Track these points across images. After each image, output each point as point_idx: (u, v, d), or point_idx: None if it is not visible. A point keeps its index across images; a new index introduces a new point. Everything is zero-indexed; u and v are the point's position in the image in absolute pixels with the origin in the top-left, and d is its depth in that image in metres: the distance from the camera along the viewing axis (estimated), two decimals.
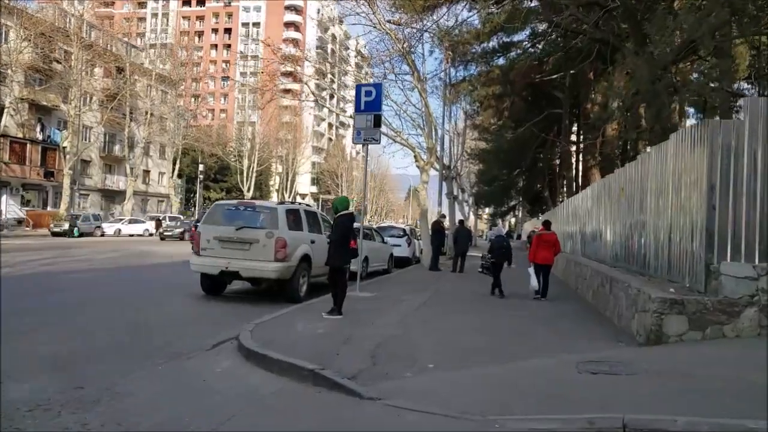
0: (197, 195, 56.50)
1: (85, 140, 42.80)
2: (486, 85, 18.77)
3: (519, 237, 73.97)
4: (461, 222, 16.95)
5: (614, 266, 10.33)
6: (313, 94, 18.12)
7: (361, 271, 14.13)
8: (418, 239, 20.36)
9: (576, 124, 32.17)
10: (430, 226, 16.98)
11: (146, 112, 46.91)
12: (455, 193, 24.60)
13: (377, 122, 10.07)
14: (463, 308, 9.17)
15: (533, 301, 10.71)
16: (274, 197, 78.89)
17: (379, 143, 10.09)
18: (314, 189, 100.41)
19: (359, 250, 10.14)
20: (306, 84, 18.47)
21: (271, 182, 78.60)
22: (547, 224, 12.65)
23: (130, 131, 45.93)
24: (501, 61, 24.67)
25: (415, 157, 18.30)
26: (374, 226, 16.57)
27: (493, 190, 42.66)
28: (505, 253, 11.80)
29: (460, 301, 10.22)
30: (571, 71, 23.09)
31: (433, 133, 18.40)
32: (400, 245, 19.17)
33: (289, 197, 74.41)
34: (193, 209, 68.00)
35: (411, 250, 19.37)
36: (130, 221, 39.18)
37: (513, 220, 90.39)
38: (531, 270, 11.85)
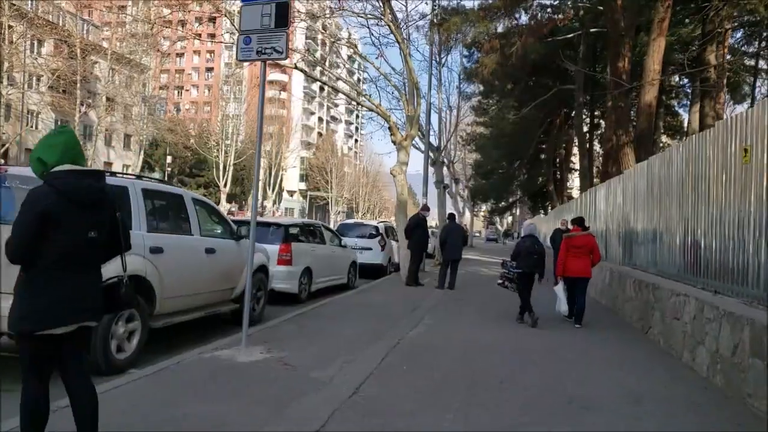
0: None
1: (30, 126, 37.78)
2: (486, 19, 13.91)
3: (518, 235, 69.32)
4: (452, 217, 12.14)
5: (686, 282, 5.84)
6: (304, 60, 13.23)
7: (300, 291, 9.35)
8: (396, 240, 15.50)
9: (589, 111, 27.57)
10: (407, 222, 12.10)
11: (106, 98, 41.84)
12: (446, 182, 19.64)
13: (282, 18, 5.19)
14: (457, 397, 4.28)
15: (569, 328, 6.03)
16: (258, 194, 74.00)
17: (285, 57, 5.22)
18: (303, 185, 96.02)
19: (251, 256, 5.36)
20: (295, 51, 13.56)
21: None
22: (579, 222, 8.31)
23: (85, 118, 40.88)
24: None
25: (390, 129, 13.46)
26: (323, 223, 11.68)
27: (491, 183, 37.91)
28: (537, 262, 7.80)
29: (451, 370, 5.24)
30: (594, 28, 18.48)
31: (416, 97, 13.53)
32: (370, 248, 14.33)
33: (272, 194, 69.69)
34: None
35: (385, 255, 14.51)
36: None
37: (510, 218, 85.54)
38: (559, 289, 7.55)
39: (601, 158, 30.95)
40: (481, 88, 30.11)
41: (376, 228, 14.62)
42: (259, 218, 9.80)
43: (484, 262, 23.18)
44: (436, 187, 18.08)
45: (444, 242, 11.27)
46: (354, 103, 13.64)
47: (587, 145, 25.55)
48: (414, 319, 7.42)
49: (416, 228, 11.52)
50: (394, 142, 13.61)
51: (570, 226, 10.94)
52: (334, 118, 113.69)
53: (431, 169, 17.82)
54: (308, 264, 9.60)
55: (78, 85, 37.91)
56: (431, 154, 17.85)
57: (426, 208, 11.99)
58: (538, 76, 27.41)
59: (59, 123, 42.98)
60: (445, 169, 25.85)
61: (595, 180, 26.56)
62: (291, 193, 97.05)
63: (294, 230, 9.60)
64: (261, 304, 7.54)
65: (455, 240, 11.26)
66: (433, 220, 19.60)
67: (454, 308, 8.82)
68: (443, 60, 18.10)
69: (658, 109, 22.91)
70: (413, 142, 17.59)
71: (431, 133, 17.84)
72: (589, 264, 7.88)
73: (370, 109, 13.32)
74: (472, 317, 7.98)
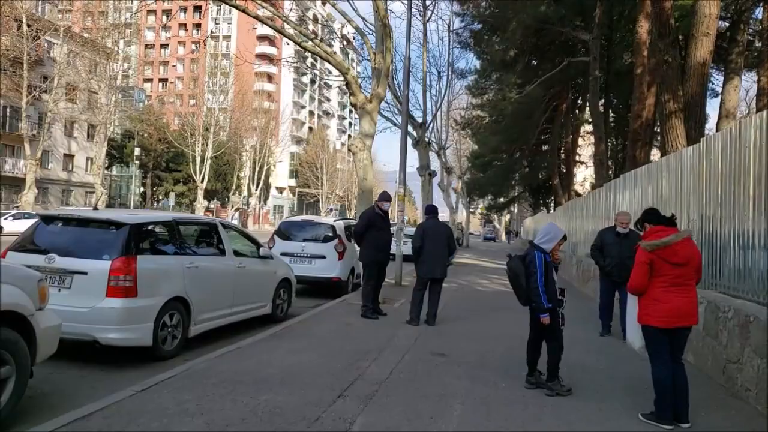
0: (134, 184, 47.18)
1: None
2: None
3: (517, 235, 65.13)
4: (431, 211, 7.85)
5: None
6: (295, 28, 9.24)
7: (160, 341, 5.27)
8: None
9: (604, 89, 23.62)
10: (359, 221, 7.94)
11: (66, 83, 37.44)
12: (431, 168, 15.31)
13: None
14: None
15: None
16: (244, 190, 69.79)
17: None
18: (293, 182, 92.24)
19: None
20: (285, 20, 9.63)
21: (242, 174, 69.13)
22: (665, 220, 3.94)
23: (40, 104, 36.63)
24: None
25: (348, 85, 9.42)
26: (222, 220, 7.38)
27: (489, 176, 33.82)
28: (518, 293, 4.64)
29: None
30: None
31: (386, 41, 9.44)
32: (323, 256, 10.22)
33: (256, 190, 65.61)
34: (158, 203, 58.65)
35: (344, 266, 10.35)
36: (21, 216, 29.96)
37: (508, 216, 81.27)
38: (636, 340, 3.40)
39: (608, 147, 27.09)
40: (477, 66, 26.15)
41: (332, 228, 10.47)
42: (78, 212, 5.74)
43: (484, 268, 19.02)
44: (419, 174, 13.98)
45: (419, 250, 7.14)
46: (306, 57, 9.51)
47: (604, 127, 21.43)
48: None
49: (369, 230, 7.41)
50: (354, 106, 9.55)
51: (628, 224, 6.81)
52: (326, 113, 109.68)
53: (414, 152, 13.71)
54: (179, 291, 5.51)
55: (25, 66, 33.67)
56: (413, 131, 13.76)
57: (385, 197, 7.80)
58: (542, 51, 23.66)
59: (8, 108, 38.76)
60: (434, 156, 21.79)
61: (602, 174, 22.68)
62: (280, 189, 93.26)
63: (147, 233, 5.50)
64: None
65: (436, 247, 7.11)
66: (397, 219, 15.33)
67: (427, 382, 4.71)
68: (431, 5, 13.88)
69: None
70: (391, 116, 13.52)
71: (411, 100, 13.66)
72: (697, 298, 3.86)
73: (319, 55, 9.24)
74: (461, 416, 3.89)
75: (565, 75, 24.09)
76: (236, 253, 6.83)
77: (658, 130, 23.73)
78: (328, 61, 9.31)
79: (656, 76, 16.35)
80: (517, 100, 22.52)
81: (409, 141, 13.98)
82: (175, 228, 5.89)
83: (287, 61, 14.92)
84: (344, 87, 9.70)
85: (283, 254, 10.15)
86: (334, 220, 10.92)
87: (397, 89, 13.81)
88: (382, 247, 7.55)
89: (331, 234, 10.44)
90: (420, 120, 14.18)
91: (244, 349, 5.50)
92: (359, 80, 10.55)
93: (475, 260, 22.43)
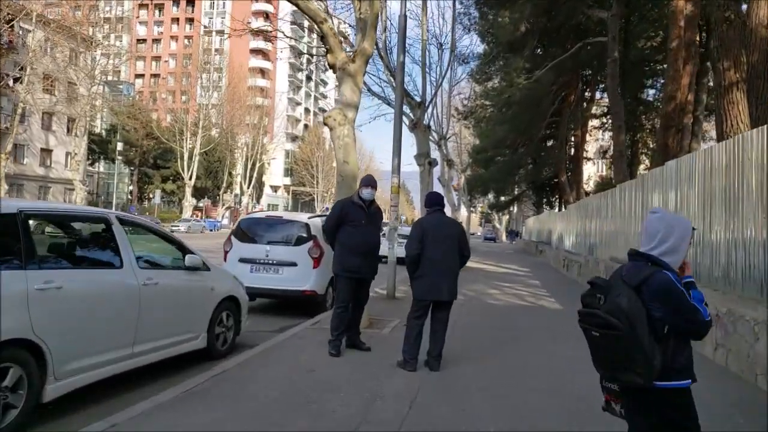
0: (117, 181, 44.77)
1: None
2: None
3: (518, 235, 62.89)
4: (433, 201, 5.59)
5: None
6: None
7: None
8: None
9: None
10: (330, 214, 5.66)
11: (34, 69, 35.00)
12: (431, 157, 12.82)
13: None
14: None
15: None
16: (237, 188, 67.43)
17: None
18: (288, 180, 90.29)
19: None
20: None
21: (234, 171, 66.68)
22: None
23: (10, 95, 34.27)
24: None
25: (322, 38, 7.20)
26: (122, 214, 5.00)
27: (492, 173, 31.57)
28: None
29: None
30: None
31: None
32: (293, 264, 7.93)
33: (249, 188, 63.34)
34: (147, 202, 56.34)
35: (321, 276, 8.04)
36: None
37: (507, 217, 78.98)
38: None
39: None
40: (481, 51, 23.98)
41: (306, 227, 8.17)
42: None
43: (490, 273, 16.71)
44: (417, 162, 11.71)
45: (416, 259, 4.83)
46: None
47: (624, 115, 19.13)
48: None
49: (342, 225, 5.16)
50: (333, 67, 7.29)
51: None
52: (322, 110, 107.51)
53: (411, 136, 11.41)
54: (19, 331, 3.27)
55: None
56: (410, 112, 11.49)
57: (368, 181, 5.43)
58: (552, 34, 21.65)
59: None
60: (435, 147, 19.55)
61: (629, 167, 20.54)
62: (275, 188, 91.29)
63: None
64: None
65: (443, 254, 4.76)
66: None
67: None
68: None
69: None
70: (386, 94, 11.33)
71: (408, 84, 11.34)
72: None
73: None
74: None
75: (576, 61, 22.11)
76: (145, 263, 4.56)
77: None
78: (297, 6, 7.05)
79: (691, 53, 14.19)
80: (526, 86, 20.35)
81: (406, 129, 11.72)
82: (20, 225, 3.60)
83: (280, 32, 12.40)
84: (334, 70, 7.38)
85: (242, 260, 7.92)
86: (309, 218, 8.64)
87: (390, 62, 11.56)
88: (357, 249, 5.18)
89: (304, 235, 8.14)
90: (418, 99, 11.91)
91: (118, 427, 3.22)
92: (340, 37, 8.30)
93: (479, 264, 20.18)
